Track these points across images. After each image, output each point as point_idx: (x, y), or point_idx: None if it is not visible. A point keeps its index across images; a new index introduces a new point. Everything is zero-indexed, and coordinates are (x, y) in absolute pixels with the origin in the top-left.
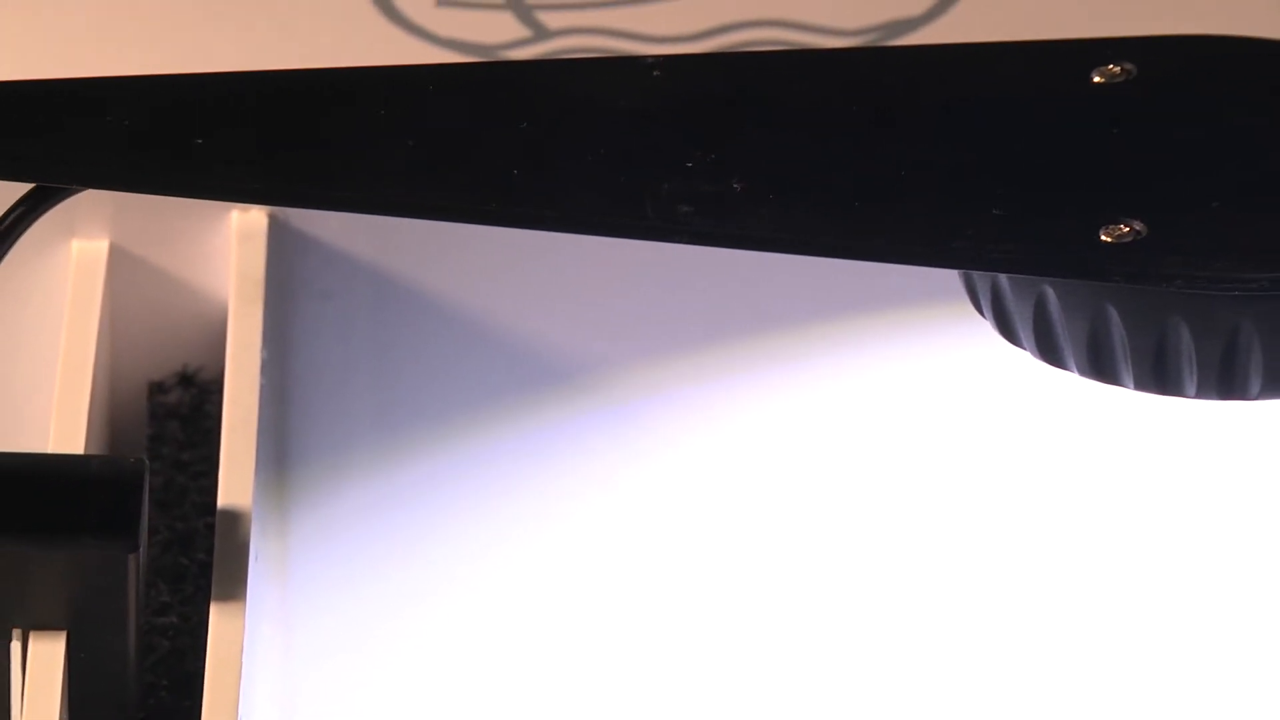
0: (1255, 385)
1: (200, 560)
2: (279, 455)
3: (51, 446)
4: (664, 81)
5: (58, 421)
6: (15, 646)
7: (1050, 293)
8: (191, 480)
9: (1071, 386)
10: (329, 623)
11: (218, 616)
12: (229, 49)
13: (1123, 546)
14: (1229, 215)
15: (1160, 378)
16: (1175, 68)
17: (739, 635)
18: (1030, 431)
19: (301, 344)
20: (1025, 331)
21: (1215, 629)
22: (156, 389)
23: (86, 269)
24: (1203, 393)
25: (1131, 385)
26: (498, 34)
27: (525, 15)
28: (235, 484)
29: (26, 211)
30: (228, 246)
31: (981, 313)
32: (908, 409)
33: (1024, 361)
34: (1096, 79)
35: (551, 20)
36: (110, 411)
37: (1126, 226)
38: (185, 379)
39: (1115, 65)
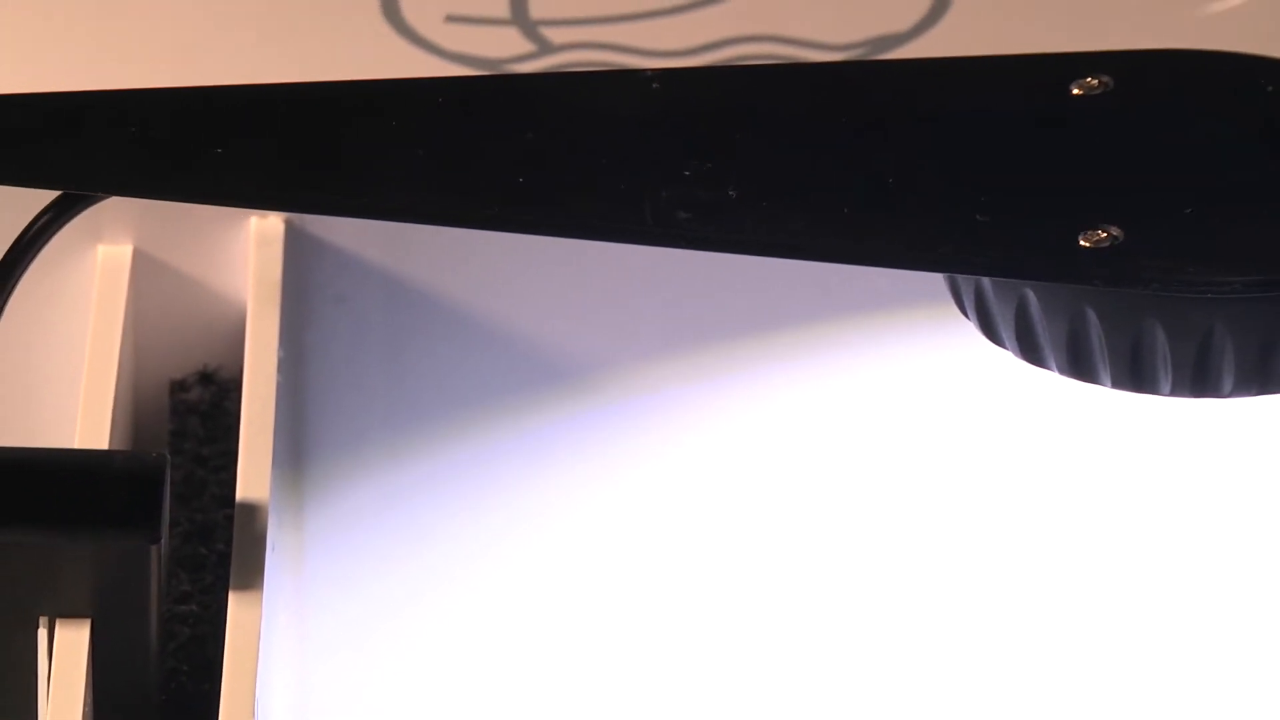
0: (1228, 384)
1: (219, 551)
2: (295, 451)
3: (77, 442)
4: (662, 94)
5: (83, 418)
6: (42, 634)
7: (1031, 295)
8: (211, 474)
9: (1051, 385)
10: (343, 611)
11: (236, 605)
12: (247, 62)
13: (1103, 541)
14: (1202, 221)
15: (1136, 377)
16: (1150, 80)
17: (734, 625)
18: (1012, 428)
19: (316, 345)
20: (1007, 332)
21: (1194, 624)
22: (178, 387)
23: (111, 272)
24: (1177, 391)
25: (1109, 384)
26: (504, 49)
27: (530, 30)
28: (253, 478)
29: (54, 217)
30: (246, 251)
31: (966, 314)
32: (896, 407)
33: (1006, 361)
34: (1075, 91)
35: (555, 35)
36: (133, 408)
37: (1104, 232)
38: (205, 377)
39: (1093, 78)
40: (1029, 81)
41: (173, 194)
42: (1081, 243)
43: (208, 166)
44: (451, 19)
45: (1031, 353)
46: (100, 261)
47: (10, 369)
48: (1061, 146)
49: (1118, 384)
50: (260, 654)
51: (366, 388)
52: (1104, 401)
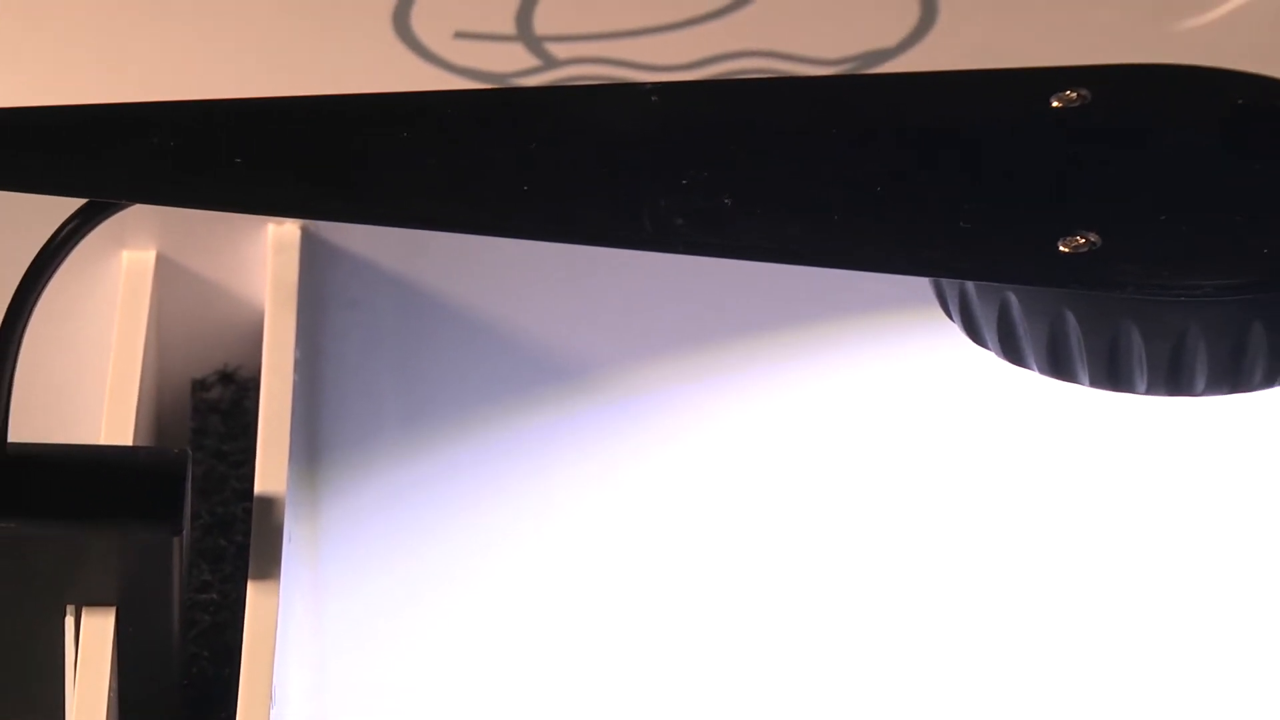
0: (1200, 383)
1: (238, 542)
2: (310, 447)
3: (103, 438)
4: (661, 106)
5: (109, 416)
6: (70, 620)
7: (1013, 298)
8: (231, 469)
9: (1032, 384)
10: (356, 599)
11: (254, 593)
12: (266, 76)
13: (1081, 533)
14: (1176, 228)
15: (1113, 376)
16: (1127, 94)
17: (733, 611)
18: (995, 425)
19: (331, 346)
20: (990, 334)
21: (1177, 620)
22: (199, 386)
23: (135, 277)
24: (1153, 390)
25: (1087, 383)
26: (510, 63)
27: (535, 46)
28: (270, 473)
29: (80, 224)
30: (264, 257)
31: (950, 317)
32: (884, 404)
33: (989, 361)
34: (1055, 104)
35: (559, 51)
36: (157, 407)
37: (1082, 238)
38: (225, 377)
39: (1072, 91)
40: (1011, 95)
41: (194, 202)
42: (1061, 248)
43: (227, 176)
44: (460, 35)
45: (1013, 353)
46: (125, 266)
47: (39, 369)
48: (1042, 157)
49: (1096, 383)
50: (277, 640)
51: (379, 387)
52: (1082, 400)
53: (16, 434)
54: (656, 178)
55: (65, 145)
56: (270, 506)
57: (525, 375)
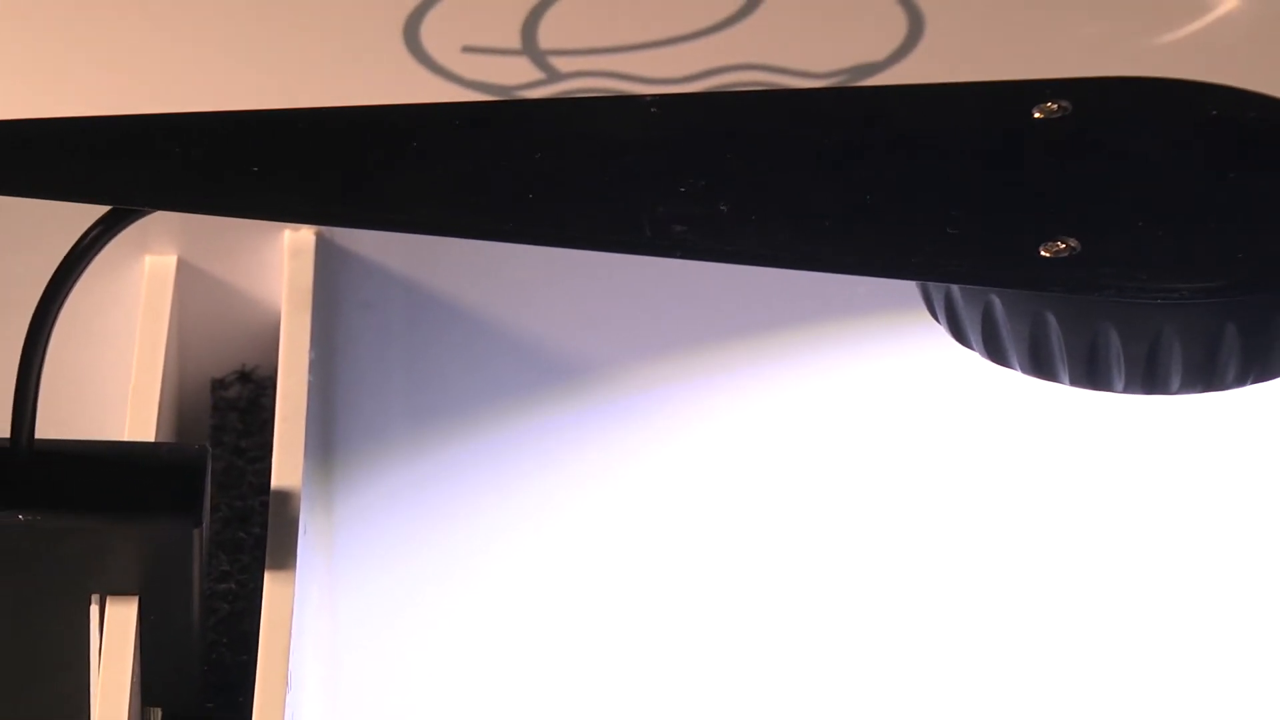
0: (1175, 382)
1: (256, 534)
2: (325, 443)
3: (127, 435)
4: (660, 117)
5: (132, 413)
6: (94, 609)
7: (996, 301)
8: (248, 464)
9: (1015, 383)
10: (369, 588)
11: (271, 583)
12: (282, 89)
13: (1063, 528)
14: (1153, 234)
15: (1092, 375)
16: (1105, 105)
17: (729, 599)
18: (979, 421)
19: (345, 346)
20: (975, 335)
21: (1160, 617)
22: (218, 385)
23: (157, 280)
24: (1130, 389)
25: (1067, 382)
26: (515, 76)
27: (539, 60)
28: (286, 468)
29: (104, 230)
30: (280, 261)
31: (937, 319)
32: (873, 403)
33: (973, 361)
34: (1036, 115)
35: (562, 64)
36: (178, 404)
37: (1063, 243)
38: (243, 376)
39: (1053, 103)
40: (994, 106)
41: (213, 209)
42: (1042, 253)
43: (245, 184)
44: (468, 49)
45: (997, 354)
46: (147, 270)
47: (65, 369)
48: (1024, 165)
49: (1075, 382)
50: (293, 627)
51: (390, 386)
52: (1062, 399)
53: (44, 430)
54: (655, 186)
55: (92, 155)
56: (286, 500)
57: (530, 375)
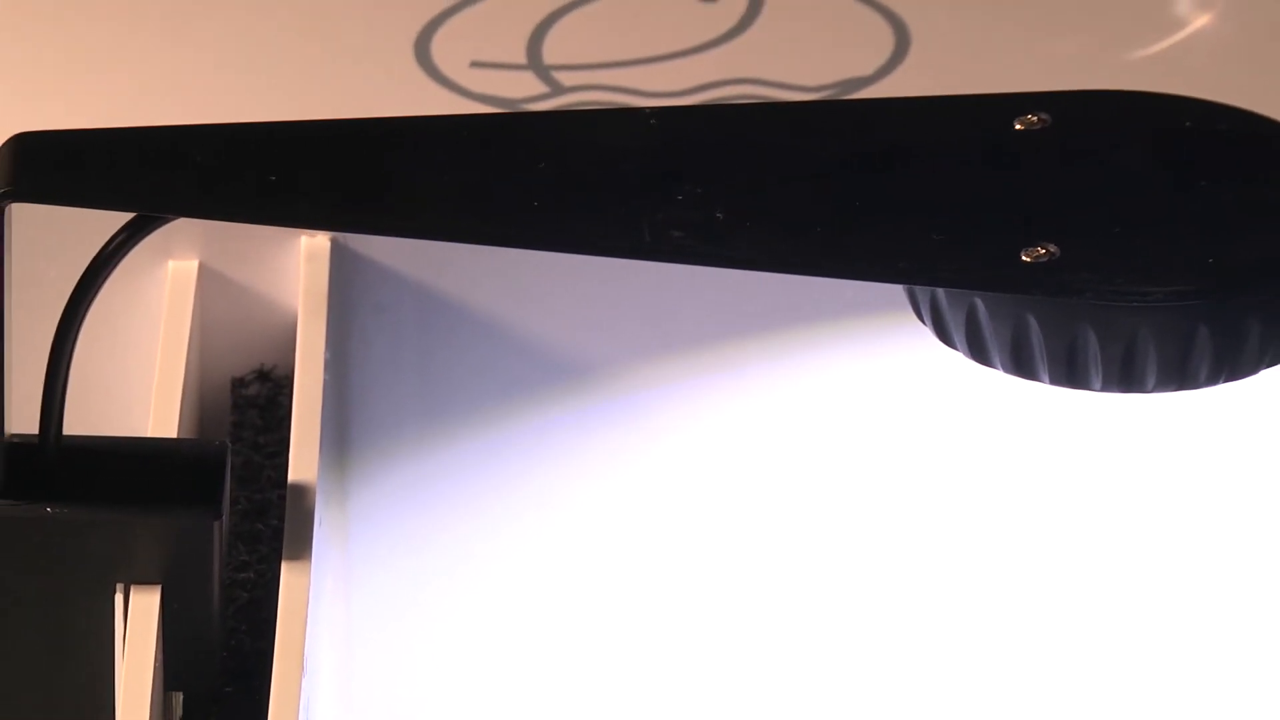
0: (1151, 381)
1: (274, 526)
2: (339, 439)
3: (150, 431)
4: (659, 129)
5: (155, 411)
6: (118, 598)
7: (980, 304)
8: (267, 460)
9: (997, 383)
10: (382, 579)
11: (288, 573)
12: (298, 102)
13: (1043, 524)
14: (1129, 240)
15: (1071, 375)
16: (1084, 117)
17: (723, 587)
18: (963, 419)
19: (358, 347)
20: (959, 336)
21: (1147, 612)
22: (238, 384)
23: (179, 284)
24: (1107, 387)
25: (1048, 381)
26: (521, 90)
27: (544, 74)
28: (303, 463)
29: (129, 237)
30: (297, 266)
31: (922, 320)
32: (861, 401)
33: (957, 361)
34: (1018, 126)
35: (566, 78)
36: (199, 402)
37: (1043, 249)
38: (262, 375)
39: (1033, 115)
40: (977, 118)
41: (233, 216)
42: (1023, 258)
43: (263, 192)
44: (476, 64)
45: (980, 354)
46: (170, 275)
47: (91, 369)
48: (1006, 175)
49: (1055, 381)
50: (309, 616)
51: (402, 385)
52: (1043, 397)
53: (71, 427)
54: (655, 194)
55: (118, 165)
56: (303, 493)
57: (536, 374)
